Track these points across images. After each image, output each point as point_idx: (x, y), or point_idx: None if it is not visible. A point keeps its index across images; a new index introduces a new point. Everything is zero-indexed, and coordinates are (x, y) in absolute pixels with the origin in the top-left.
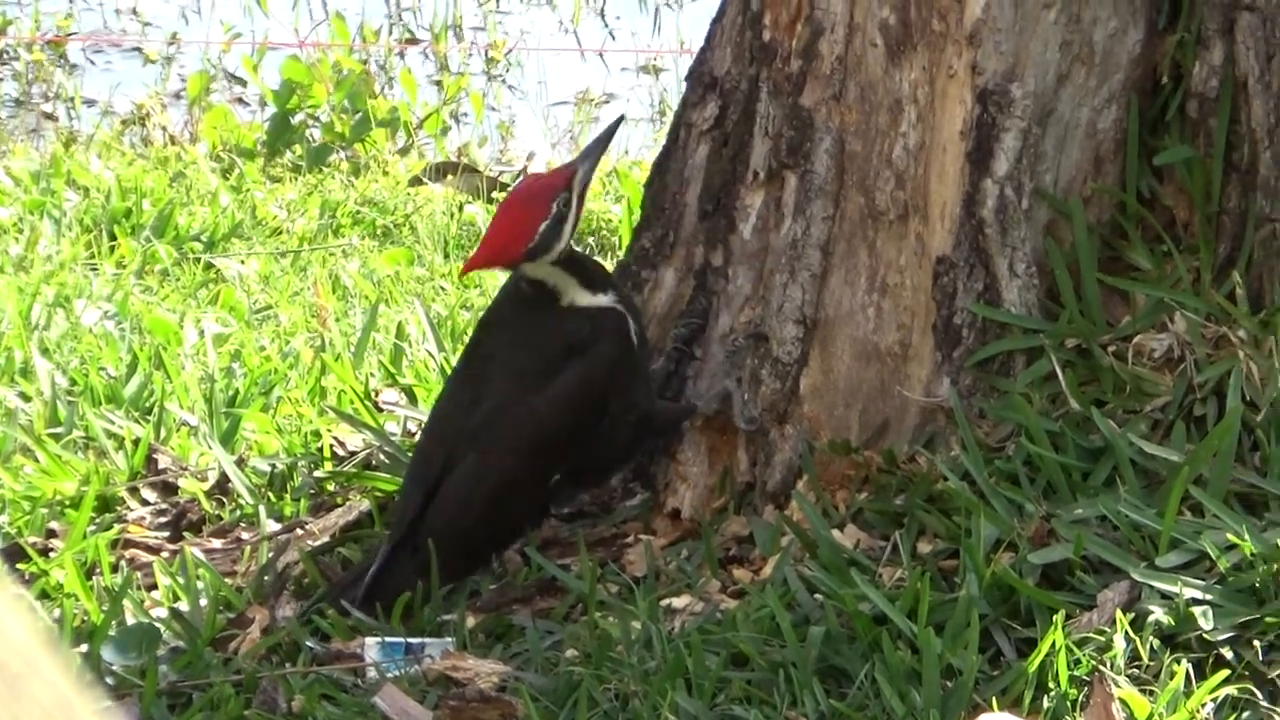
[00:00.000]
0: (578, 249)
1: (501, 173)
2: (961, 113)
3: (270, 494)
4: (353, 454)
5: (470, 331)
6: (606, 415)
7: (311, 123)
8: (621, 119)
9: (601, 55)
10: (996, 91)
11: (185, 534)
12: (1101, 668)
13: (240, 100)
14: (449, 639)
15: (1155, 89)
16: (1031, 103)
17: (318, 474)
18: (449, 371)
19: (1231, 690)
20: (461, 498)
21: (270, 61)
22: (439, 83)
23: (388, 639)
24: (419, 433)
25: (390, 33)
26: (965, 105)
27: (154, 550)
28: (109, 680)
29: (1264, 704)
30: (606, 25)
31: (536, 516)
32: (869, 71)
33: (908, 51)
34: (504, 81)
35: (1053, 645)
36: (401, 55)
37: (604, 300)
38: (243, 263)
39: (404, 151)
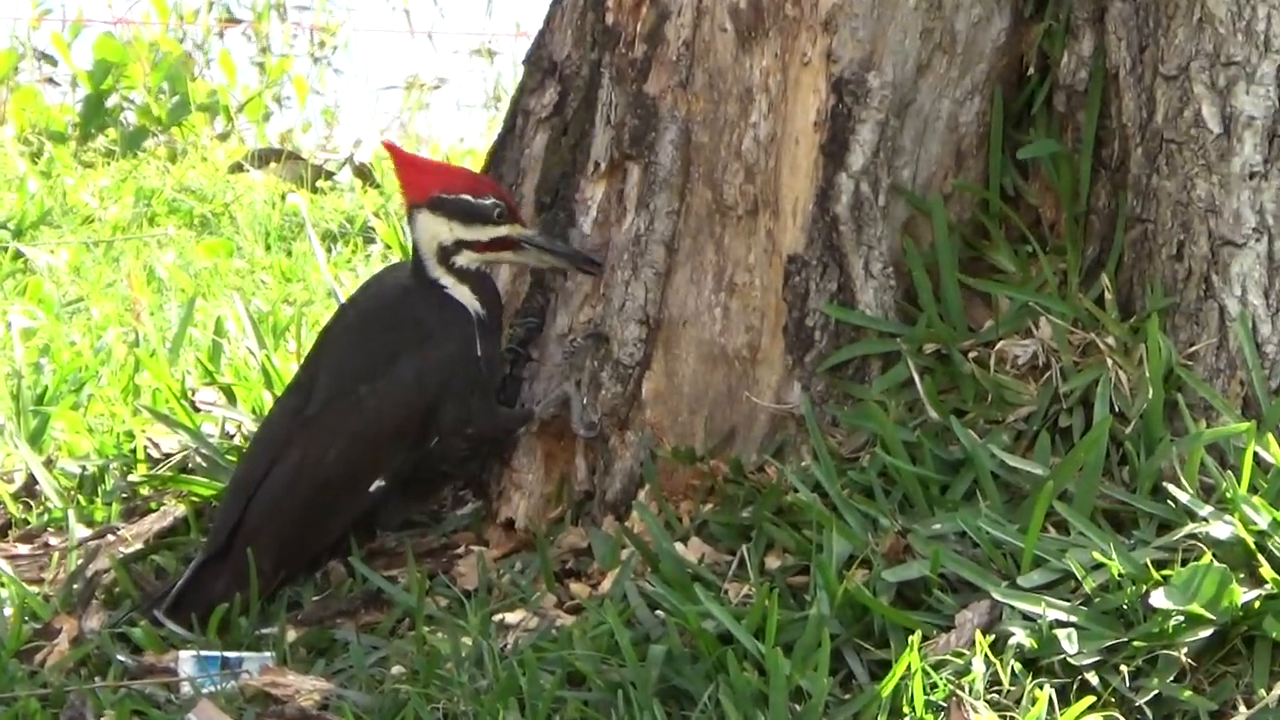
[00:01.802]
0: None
1: (326, 160)
2: (816, 103)
3: (80, 497)
4: (168, 456)
5: (291, 329)
6: (435, 423)
7: (126, 105)
8: (599, 267)
9: (431, 37)
10: (853, 81)
11: None
12: (959, 692)
13: (50, 80)
14: (268, 654)
15: (1021, 80)
16: (890, 93)
17: (131, 477)
18: (269, 370)
19: (1097, 718)
20: (277, 496)
21: (83, 40)
22: (261, 65)
23: (203, 653)
24: (240, 436)
25: (210, 11)
26: (820, 95)
27: None
28: None
29: None
30: (437, 4)
31: (361, 529)
32: (718, 58)
33: (759, 37)
34: (329, 64)
35: (908, 668)
36: (221, 35)
37: (464, 295)
38: (52, 252)
39: (224, 137)
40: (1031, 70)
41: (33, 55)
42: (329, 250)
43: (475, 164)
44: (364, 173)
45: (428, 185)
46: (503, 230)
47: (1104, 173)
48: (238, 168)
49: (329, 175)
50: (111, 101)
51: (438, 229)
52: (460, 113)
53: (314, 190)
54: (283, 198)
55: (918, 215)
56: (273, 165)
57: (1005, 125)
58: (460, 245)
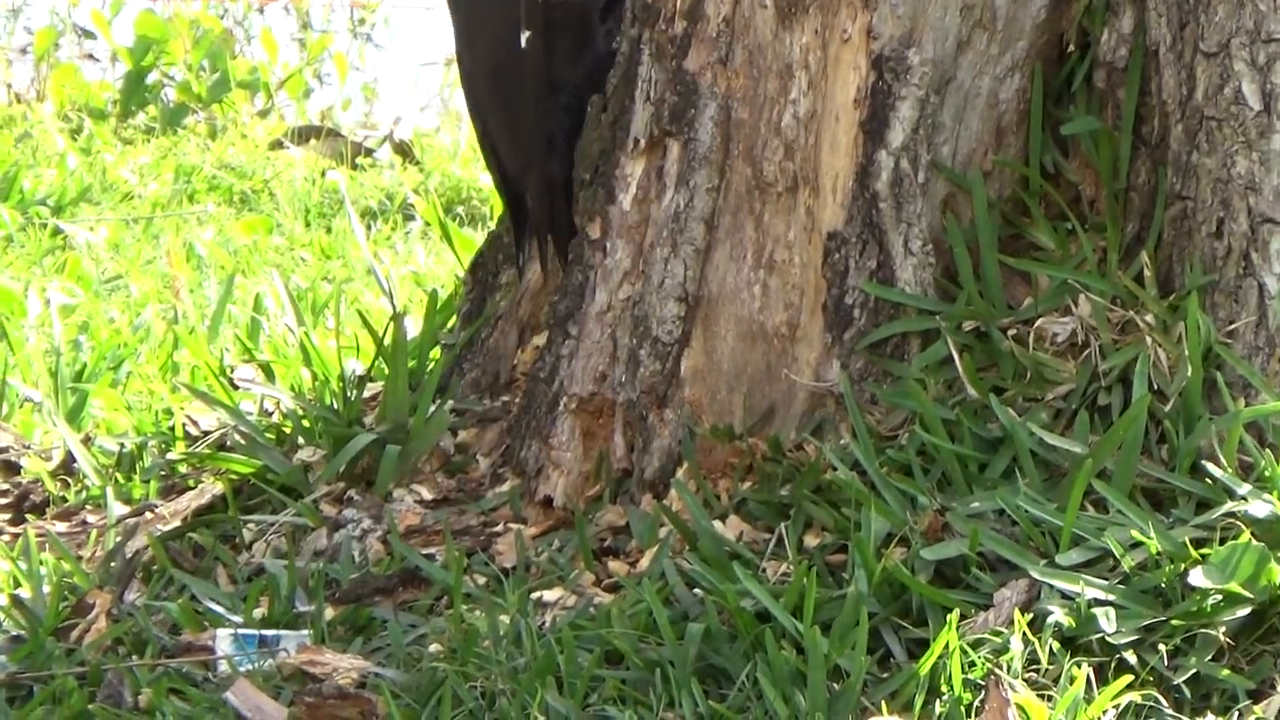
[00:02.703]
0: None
1: (366, 137)
2: (855, 79)
3: (118, 475)
4: (206, 434)
5: (330, 306)
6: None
7: (167, 82)
8: None
9: None
10: (892, 58)
11: (28, 516)
12: (997, 671)
13: (90, 56)
14: (305, 631)
15: (1061, 57)
16: (930, 70)
17: (169, 455)
18: (307, 348)
19: (1134, 697)
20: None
21: (124, 16)
22: (301, 41)
23: (240, 631)
24: (278, 414)
25: None
26: (859, 72)
27: None
28: None
29: (1169, 711)
30: None
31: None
32: (758, 34)
33: (799, 14)
34: (370, 39)
35: (946, 647)
36: (261, 11)
37: None
38: (91, 229)
39: (264, 114)
40: (1072, 47)
41: (73, 31)
42: (368, 228)
43: None
44: (404, 149)
45: None
46: None
47: (1144, 150)
48: (277, 145)
49: (369, 152)
50: (152, 78)
51: None
52: None
53: (354, 167)
54: (322, 174)
55: (957, 192)
56: (312, 142)
57: (1045, 102)
58: None
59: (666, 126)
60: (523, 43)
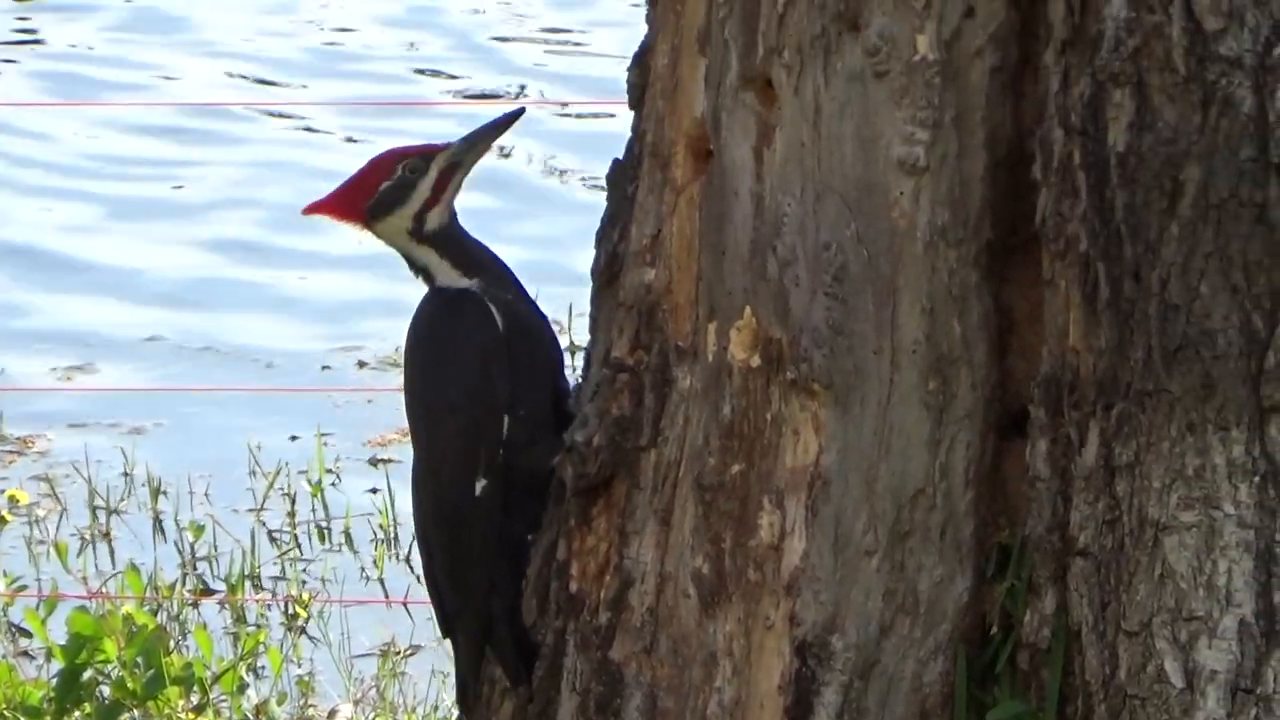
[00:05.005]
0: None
1: None
2: (779, 666)
3: None
4: None
5: None
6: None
7: (102, 680)
8: (521, 111)
9: (406, 605)
10: (816, 644)
11: None
12: None
13: (26, 654)
14: None
15: (984, 639)
16: (853, 655)
17: None
18: None
19: None
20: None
21: (58, 615)
22: (235, 635)
23: None
24: None
25: (184, 583)
26: (784, 658)
27: None
28: None
29: None
30: (412, 571)
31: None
32: (681, 624)
33: (722, 602)
34: (304, 633)
35: None
36: (196, 606)
37: (466, 283)
38: None
39: (199, 710)
40: (995, 629)
41: (7, 629)
42: None
43: None
44: None
45: (356, 208)
46: (431, 173)
47: None
48: None
49: None
50: (87, 675)
51: (393, 226)
52: (435, 678)
53: None
54: None
55: None
56: None
57: (969, 685)
58: (418, 218)
59: (593, 716)
60: (477, 491)
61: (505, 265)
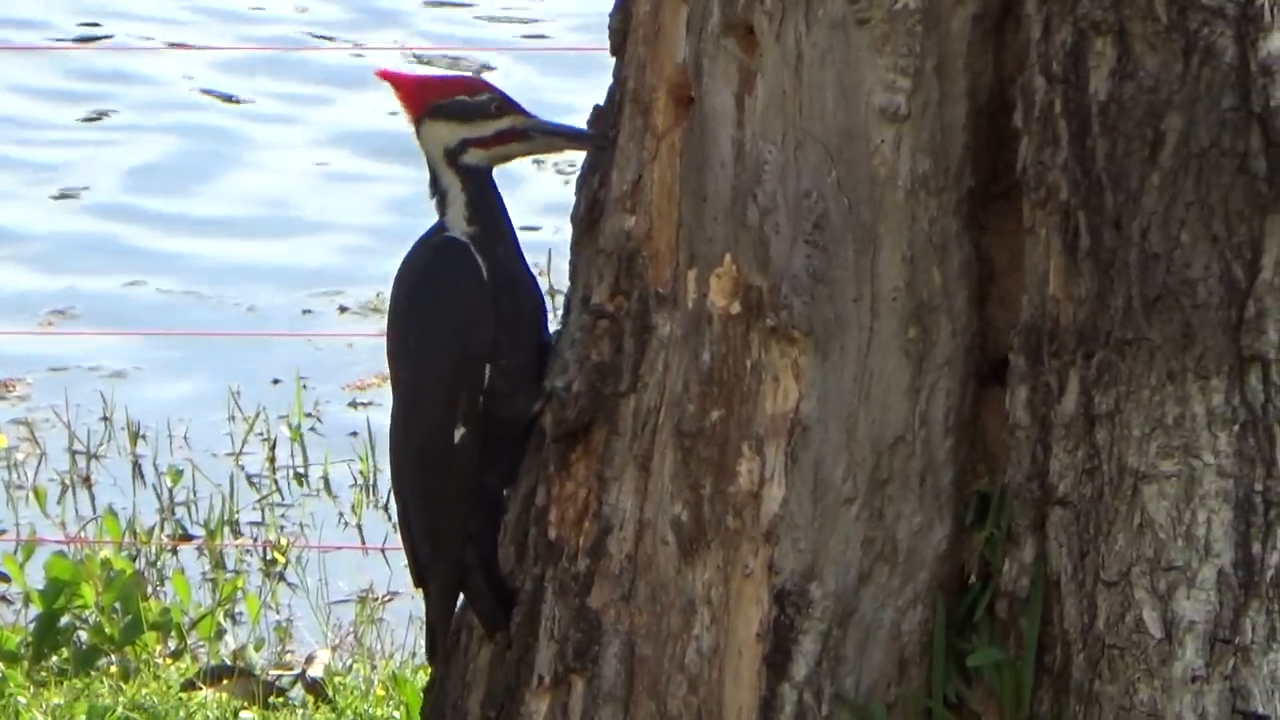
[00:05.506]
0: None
1: (279, 677)
2: (758, 614)
3: None
4: None
5: None
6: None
7: (79, 625)
8: (603, 142)
9: (384, 552)
10: (794, 592)
11: None
12: None
13: (3, 599)
14: None
15: (963, 588)
16: (832, 603)
17: None
18: None
19: None
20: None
21: (35, 560)
22: (214, 581)
23: None
24: None
25: (162, 529)
26: (762, 606)
27: None
28: None
29: None
30: (390, 518)
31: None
32: (660, 571)
33: (701, 549)
34: (283, 579)
35: None
36: (174, 552)
37: (464, 229)
38: None
39: (177, 655)
40: (973, 578)
41: None
42: None
43: (423, 680)
44: (316, 688)
45: (425, 98)
46: (504, 122)
47: (1047, 679)
48: (190, 685)
49: (281, 692)
50: (64, 621)
51: (441, 134)
52: (412, 624)
53: (266, 706)
54: (235, 714)
55: None
56: (225, 682)
57: (948, 633)
58: (465, 144)
59: (571, 663)
60: (456, 439)
61: (511, 225)
